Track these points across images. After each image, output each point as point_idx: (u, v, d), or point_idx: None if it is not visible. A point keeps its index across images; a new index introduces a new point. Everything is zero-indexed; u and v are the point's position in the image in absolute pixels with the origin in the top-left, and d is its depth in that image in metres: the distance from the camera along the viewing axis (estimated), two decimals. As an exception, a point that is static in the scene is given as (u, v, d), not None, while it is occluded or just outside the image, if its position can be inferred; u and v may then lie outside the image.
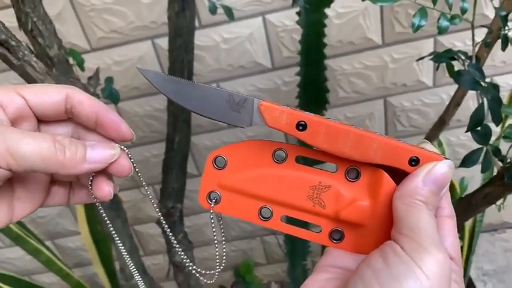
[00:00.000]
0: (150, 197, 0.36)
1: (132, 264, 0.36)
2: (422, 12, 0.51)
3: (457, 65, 0.57)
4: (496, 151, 0.52)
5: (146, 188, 0.36)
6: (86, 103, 0.31)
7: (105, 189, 0.32)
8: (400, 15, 0.94)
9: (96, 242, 1.02)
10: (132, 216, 1.17)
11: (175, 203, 0.83)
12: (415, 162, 0.30)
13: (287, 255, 0.96)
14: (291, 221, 0.33)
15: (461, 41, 0.96)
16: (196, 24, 0.92)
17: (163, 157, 0.83)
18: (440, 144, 0.98)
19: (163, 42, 0.94)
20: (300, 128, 0.30)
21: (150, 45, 0.97)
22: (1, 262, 1.29)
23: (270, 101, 0.31)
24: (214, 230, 0.35)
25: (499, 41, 0.54)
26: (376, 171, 0.31)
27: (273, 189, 0.32)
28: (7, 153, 0.27)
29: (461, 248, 0.95)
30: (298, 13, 0.71)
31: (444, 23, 0.51)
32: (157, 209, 0.37)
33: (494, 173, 0.58)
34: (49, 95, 0.31)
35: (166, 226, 0.38)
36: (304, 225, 0.33)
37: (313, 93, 0.77)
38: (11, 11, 0.54)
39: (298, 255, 0.94)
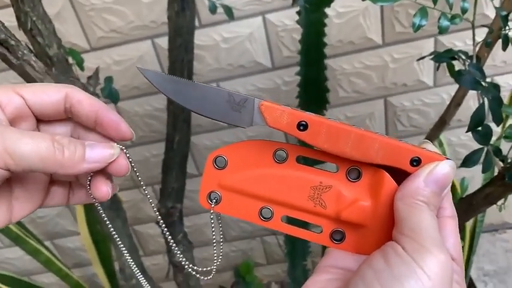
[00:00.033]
0: (149, 196, 0.35)
1: (133, 264, 0.36)
2: (423, 12, 0.51)
3: (457, 65, 0.57)
4: (497, 151, 0.52)
5: (144, 188, 0.36)
6: (85, 102, 0.31)
7: (103, 189, 0.32)
8: (401, 15, 0.94)
9: (96, 242, 1.02)
10: (131, 216, 1.17)
11: (175, 203, 0.83)
12: (416, 162, 0.30)
13: (287, 255, 0.96)
14: (291, 221, 0.33)
15: (461, 41, 0.96)
16: (196, 23, 0.91)
17: (163, 157, 0.83)
18: (441, 144, 0.98)
19: (163, 42, 0.94)
20: (301, 128, 0.30)
21: (150, 44, 0.97)
22: (0, 262, 1.29)
23: (270, 100, 0.30)
24: (213, 230, 0.35)
25: (500, 40, 0.54)
26: (377, 172, 0.31)
27: (274, 189, 0.32)
28: (5, 153, 0.27)
29: (462, 248, 0.95)
30: (298, 12, 0.71)
31: (445, 22, 0.51)
32: (155, 209, 0.36)
33: (495, 173, 0.58)
34: (48, 95, 0.31)
35: (164, 227, 0.37)
36: (305, 225, 0.33)
37: (314, 92, 0.77)
38: (11, 10, 0.54)
39: (299, 256, 0.94)
